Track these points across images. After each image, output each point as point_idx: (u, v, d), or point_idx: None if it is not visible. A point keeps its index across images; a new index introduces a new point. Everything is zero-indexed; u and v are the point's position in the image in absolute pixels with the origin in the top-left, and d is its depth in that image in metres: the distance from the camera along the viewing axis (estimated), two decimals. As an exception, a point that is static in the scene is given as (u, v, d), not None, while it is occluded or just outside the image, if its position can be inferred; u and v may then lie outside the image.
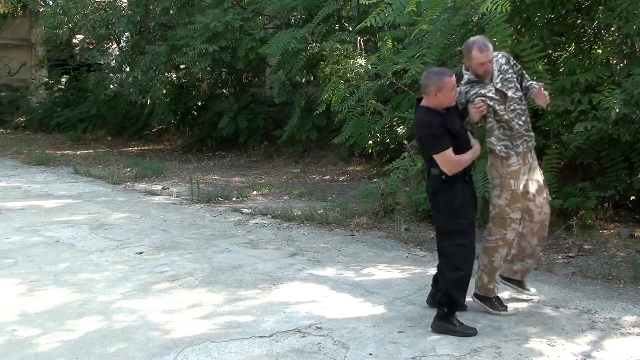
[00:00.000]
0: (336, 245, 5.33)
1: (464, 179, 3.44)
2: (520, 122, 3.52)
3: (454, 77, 3.41)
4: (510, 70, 3.56)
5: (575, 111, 5.07)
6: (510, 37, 5.11)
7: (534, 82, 3.66)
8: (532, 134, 3.63)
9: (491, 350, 3.12)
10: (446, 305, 3.40)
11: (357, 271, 4.55)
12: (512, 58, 3.65)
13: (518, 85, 3.56)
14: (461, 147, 3.40)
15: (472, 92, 3.49)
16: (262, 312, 3.69)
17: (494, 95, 3.48)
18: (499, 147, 3.51)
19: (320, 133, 10.56)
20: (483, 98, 3.44)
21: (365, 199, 6.86)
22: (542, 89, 3.50)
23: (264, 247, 5.31)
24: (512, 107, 3.51)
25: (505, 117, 3.48)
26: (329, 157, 10.52)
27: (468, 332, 3.35)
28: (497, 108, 3.48)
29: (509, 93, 3.49)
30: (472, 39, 3.56)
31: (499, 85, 3.49)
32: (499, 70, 3.53)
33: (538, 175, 3.64)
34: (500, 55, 3.60)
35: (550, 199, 3.71)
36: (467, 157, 3.40)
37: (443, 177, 3.40)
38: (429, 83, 3.38)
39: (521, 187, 3.52)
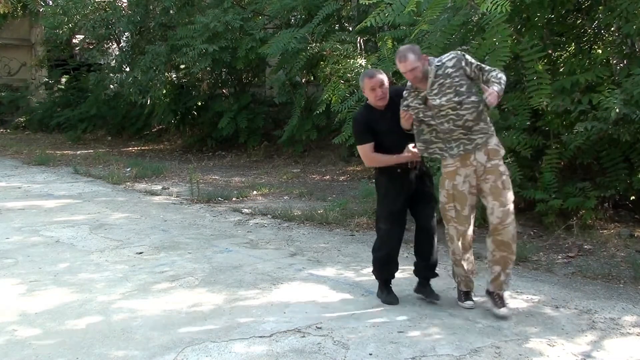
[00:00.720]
0: (336, 245, 5.33)
1: (397, 172, 3.73)
2: (453, 127, 3.48)
3: (376, 79, 3.62)
4: (457, 74, 3.43)
5: (575, 111, 5.07)
6: (510, 37, 5.11)
7: (495, 75, 3.39)
8: (476, 136, 3.49)
9: (491, 350, 3.12)
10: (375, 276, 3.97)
11: (357, 271, 4.55)
12: (466, 57, 3.48)
13: (462, 89, 3.42)
14: (388, 146, 3.71)
15: (404, 101, 3.63)
16: (262, 312, 3.69)
17: (418, 105, 3.56)
18: (430, 150, 3.64)
19: (320, 133, 10.56)
20: (406, 108, 3.60)
21: (365, 199, 6.86)
22: (495, 90, 3.29)
23: (264, 247, 5.31)
24: (442, 113, 3.49)
25: (432, 122, 3.55)
26: (329, 157, 10.52)
27: (387, 301, 3.82)
28: (422, 115, 3.58)
29: (441, 100, 3.45)
30: (400, 47, 3.64)
31: (433, 93, 3.48)
32: (440, 75, 3.45)
33: (492, 176, 3.50)
34: (449, 58, 3.48)
35: (511, 200, 3.52)
36: (384, 158, 3.72)
37: (376, 169, 3.86)
38: (359, 81, 3.80)
39: (461, 188, 3.54)
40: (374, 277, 4.01)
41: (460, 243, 3.65)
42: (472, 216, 3.64)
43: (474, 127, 3.49)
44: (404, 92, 3.65)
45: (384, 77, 3.65)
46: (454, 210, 3.59)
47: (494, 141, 3.56)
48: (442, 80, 3.46)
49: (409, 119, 3.62)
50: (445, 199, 3.61)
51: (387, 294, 3.86)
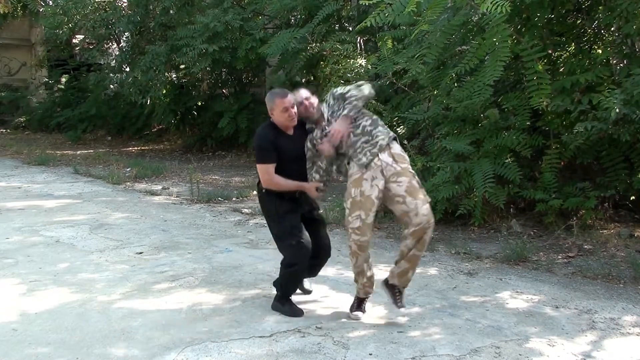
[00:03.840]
0: (336, 245, 5.30)
1: (294, 195, 3.66)
2: (354, 137, 3.51)
3: (289, 99, 3.53)
4: (336, 105, 3.62)
5: (575, 111, 5.07)
6: (510, 37, 5.12)
7: (349, 97, 3.56)
8: (377, 140, 3.48)
9: (491, 350, 3.12)
10: (280, 291, 3.77)
11: (357, 271, 4.54)
12: (335, 92, 3.68)
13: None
14: (288, 172, 3.59)
15: (314, 134, 3.66)
16: (262, 312, 3.69)
17: (318, 138, 3.62)
18: (330, 175, 3.78)
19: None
20: (317, 141, 3.62)
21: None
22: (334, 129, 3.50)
23: (264, 247, 5.31)
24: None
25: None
26: (329, 157, 10.50)
27: (293, 313, 3.64)
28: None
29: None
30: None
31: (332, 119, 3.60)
32: (328, 106, 3.66)
33: (406, 178, 3.44)
34: (328, 95, 3.73)
35: (429, 199, 3.46)
36: (284, 183, 3.59)
37: (263, 190, 3.68)
38: (267, 101, 3.64)
39: (369, 193, 3.42)
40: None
41: (362, 255, 3.49)
42: (372, 226, 3.53)
43: (374, 131, 3.52)
44: (308, 126, 3.69)
45: (293, 98, 3.59)
46: (358, 220, 3.41)
47: (397, 147, 3.56)
48: (330, 111, 3.62)
49: (330, 146, 3.56)
50: (349, 209, 3.47)
51: (290, 306, 3.70)
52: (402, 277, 3.53)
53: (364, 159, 3.47)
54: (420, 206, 3.37)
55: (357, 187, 3.45)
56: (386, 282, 3.61)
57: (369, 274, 3.58)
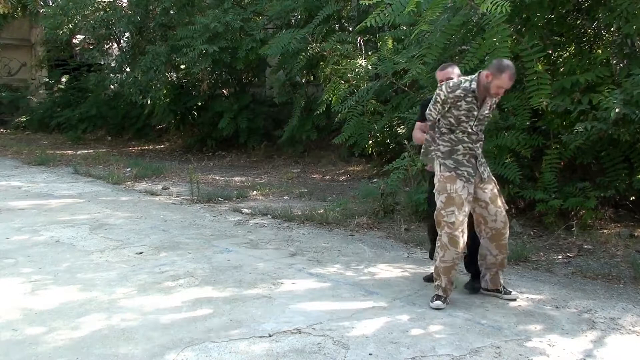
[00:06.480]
0: (336, 245, 5.33)
1: None
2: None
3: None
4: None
5: (575, 111, 5.07)
6: (510, 37, 5.12)
7: None
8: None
9: (491, 350, 3.12)
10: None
11: (357, 271, 4.54)
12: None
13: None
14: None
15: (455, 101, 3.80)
16: (262, 312, 3.69)
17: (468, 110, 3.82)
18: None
19: (320, 133, 10.57)
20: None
21: (365, 199, 6.86)
22: None
23: (264, 247, 5.31)
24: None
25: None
26: (329, 157, 10.53)
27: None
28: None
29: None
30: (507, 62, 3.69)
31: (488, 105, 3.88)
32: None
33: (490, 185, 3.78)
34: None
35: (506, 207, 3.84)
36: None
37: None
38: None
39: (461, 192, 3.65)
40: (374, 277, 4.03)
41: (452, 250, 3.68)
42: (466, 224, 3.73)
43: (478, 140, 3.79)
44: (459, 92, 3.67)
45: None
46: (453, 215, 3.64)
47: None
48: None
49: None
50: (443, 203, 3.67)
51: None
52: (496, 279, 3.92)
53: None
54: (499, 214, 3.77)
55: (452, 183, 3.66)
56: (486, 289, 3.96)
57: (452, 276, 3.79)
